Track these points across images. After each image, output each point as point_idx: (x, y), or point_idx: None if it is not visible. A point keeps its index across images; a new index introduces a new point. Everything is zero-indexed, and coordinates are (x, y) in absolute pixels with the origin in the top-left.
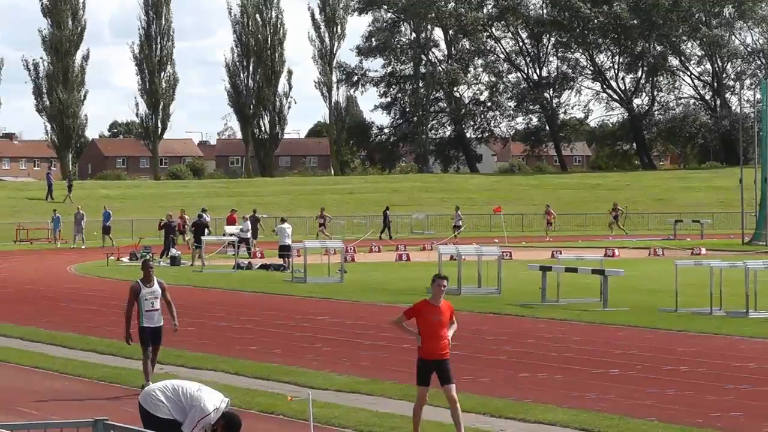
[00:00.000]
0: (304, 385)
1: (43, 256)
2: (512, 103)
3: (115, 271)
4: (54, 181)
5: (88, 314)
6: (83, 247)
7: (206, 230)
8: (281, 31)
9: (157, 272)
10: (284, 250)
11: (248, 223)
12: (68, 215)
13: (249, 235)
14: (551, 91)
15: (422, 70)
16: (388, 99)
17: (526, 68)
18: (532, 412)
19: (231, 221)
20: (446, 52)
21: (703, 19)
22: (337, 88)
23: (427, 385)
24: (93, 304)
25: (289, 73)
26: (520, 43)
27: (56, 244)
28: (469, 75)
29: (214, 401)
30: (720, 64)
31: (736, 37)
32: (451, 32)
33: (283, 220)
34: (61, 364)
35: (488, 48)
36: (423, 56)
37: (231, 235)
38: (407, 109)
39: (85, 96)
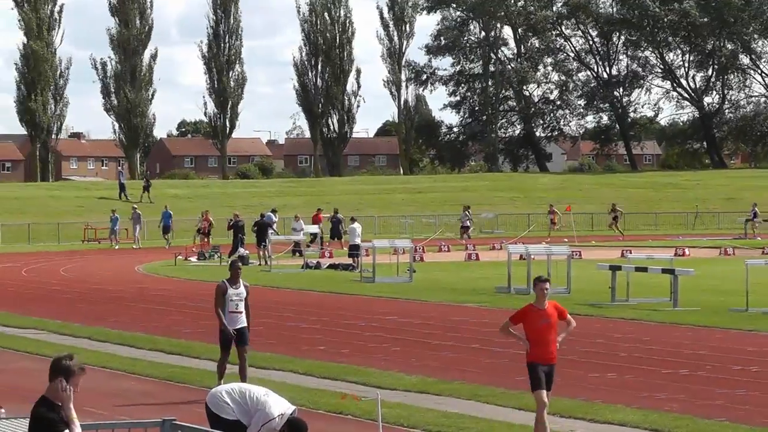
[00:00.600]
0: (372, 385)
1: (110, 255)
2: (582, 102)
3: (183, 271)
4: (126, 180)
5: (155, 314)
6: (134, 246)
7: (269, 230)
8: (350, 29)
9: (224, 273)
10: (354, 250)
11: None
12: (144, 215)
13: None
14: (621, 90)
15: (491, 68)
16: (457, 97)
17: (595, 66)
18: (602, 413)
19: (317, 221)
20: (515, 51)
21: None
22: (406, 87)
23: (543, 388)
24: (160, 304)
25: (358, 71)
26: (590, 42)
27: (113, 245)
28: (538, 73)
29: (280, 407)
30: None
31: None
32: (520, 30)
33: (353, 220)
34: (128, 363)
35: (558, 46)
36: (492, 55)
37: (312, 234)
38: (476, 108)
39: (153, 95)
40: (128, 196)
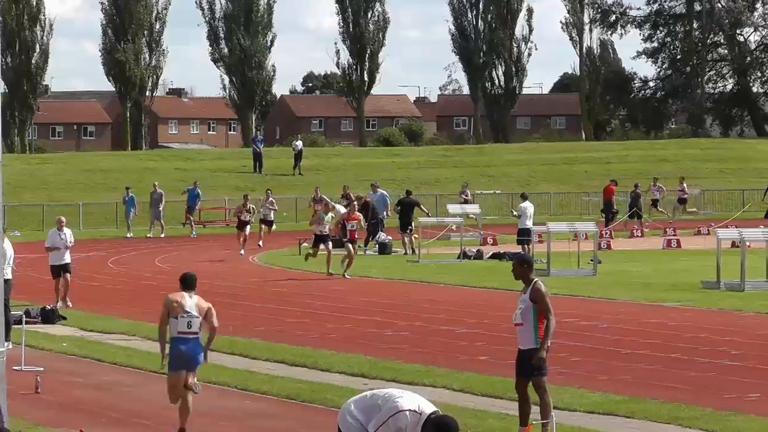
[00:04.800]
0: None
1: (222, 242)
2: None
3: (310, 261)
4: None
5: (274, 314)
6: (162, 235)
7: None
8: None
9: (363, 263)
10: (523, 235)
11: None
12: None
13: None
14: None
15: (697, 7)
16: (654, 44)
17: None
18: None
19: (609, 193)
20: None
21: None
22: (590, 31)
23: None
24: (281, 303)
25: (529, 11)
26: None
27: (126, 233)
28: (756, 13)
29: (415, 403)
30: None
31: None
32: None
33: (523, 197)
34: (241, 378)
35: None
36: None
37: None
38: (678, 57)
39: (272, 42)
40: (262, 167)
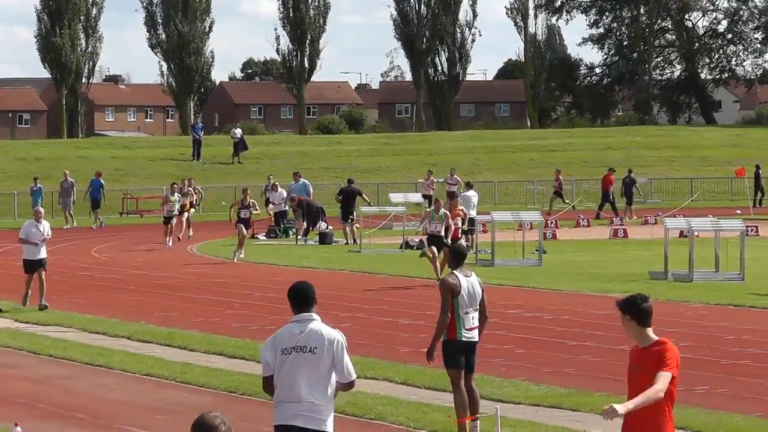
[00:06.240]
0: (490, 398)
1: (158, 232)
2: (759, 35)
3: (250, 252)
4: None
5: (213, 307)
6: (66, 227)
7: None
8: None
9: (303, 253)
10: (467, 224)
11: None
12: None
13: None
14: None
15: None
16: (601, 30)
17: None
18: None
19: (608, 182)
20: None
21: None
22: (536, 16)
23: None
24: (220, 295)
25: None
26: None
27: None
28: None
29: None
30: None
31: None
32: None
33: (468, 186)
34: (179, 370)
35: None
36: None
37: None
38: (625, 43)
39: (210, 27)
40: (200, 156)
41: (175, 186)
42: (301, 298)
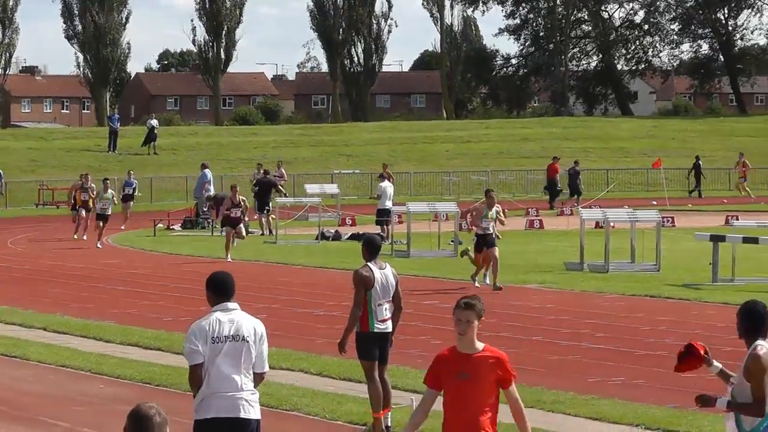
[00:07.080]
0: (406, 389)
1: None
2: (676, 27)
3: (165, 243)
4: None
5: (129, 298)
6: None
7: (273, 190)
8: None
9: (214, 243)
10: (383, 215)
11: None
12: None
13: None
14: (726, 11)
15: None
16: (517, 21)
17: None
18: (698, 423)
19: (553, 171)
20: None
21: None
22: (452, 8)
23: None
24: (135, 286)
25: None
26: None
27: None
28: None
29: None
30: None
31: None
32: None
33: (383, 177)
34: (95, 361)
35: None
36: None
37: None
38: (541, 34)
39: (127, 18)
40: (116, 147)
41: (107, 182)
42: (223, 287)
